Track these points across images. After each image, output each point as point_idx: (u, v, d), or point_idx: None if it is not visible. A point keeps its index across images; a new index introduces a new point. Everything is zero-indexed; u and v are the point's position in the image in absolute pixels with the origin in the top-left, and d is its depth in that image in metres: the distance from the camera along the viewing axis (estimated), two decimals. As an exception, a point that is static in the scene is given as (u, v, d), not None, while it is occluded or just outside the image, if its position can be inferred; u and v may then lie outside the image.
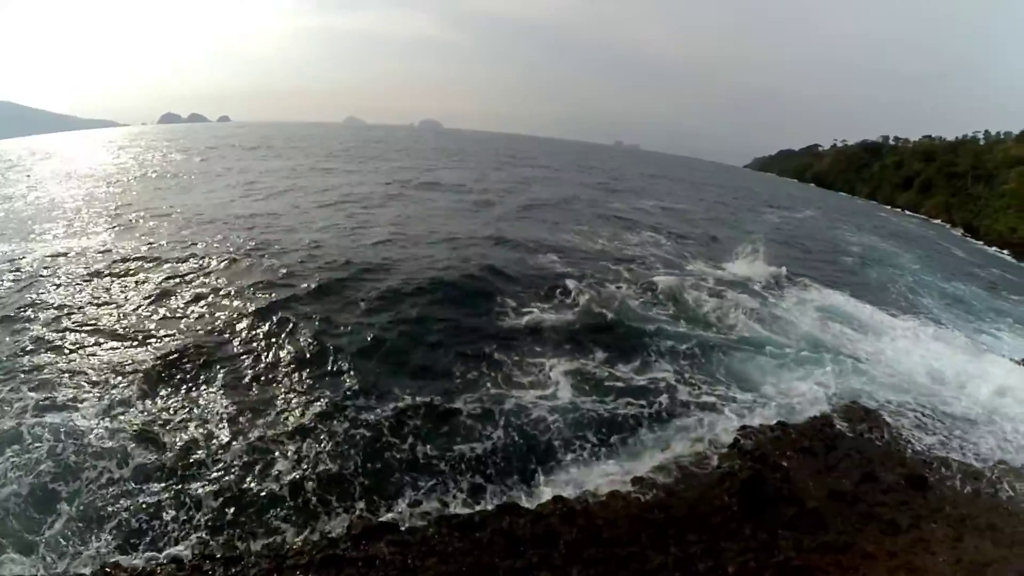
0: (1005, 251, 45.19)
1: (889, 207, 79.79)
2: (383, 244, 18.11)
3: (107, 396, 8.91)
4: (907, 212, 74.43)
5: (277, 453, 7.76)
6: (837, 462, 8.05)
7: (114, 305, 12.40)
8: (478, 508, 6.95)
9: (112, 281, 13.85)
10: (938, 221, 66.03)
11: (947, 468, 8.18)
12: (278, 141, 71.52)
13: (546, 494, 7.22)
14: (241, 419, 8.52)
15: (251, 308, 12.19)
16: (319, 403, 9.04)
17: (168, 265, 14.94)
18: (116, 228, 19.74)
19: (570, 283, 15.11)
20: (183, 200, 25.41)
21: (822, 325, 14.82)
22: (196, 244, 16.90)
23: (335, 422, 8.56)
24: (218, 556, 5.73)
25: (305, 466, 7.50)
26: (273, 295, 12.96)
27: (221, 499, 6.84)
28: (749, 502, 6.71)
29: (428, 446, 8.14)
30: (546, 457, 8.20)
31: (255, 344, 10.86)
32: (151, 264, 15.02)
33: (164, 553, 5.97)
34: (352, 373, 9.93)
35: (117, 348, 10.54)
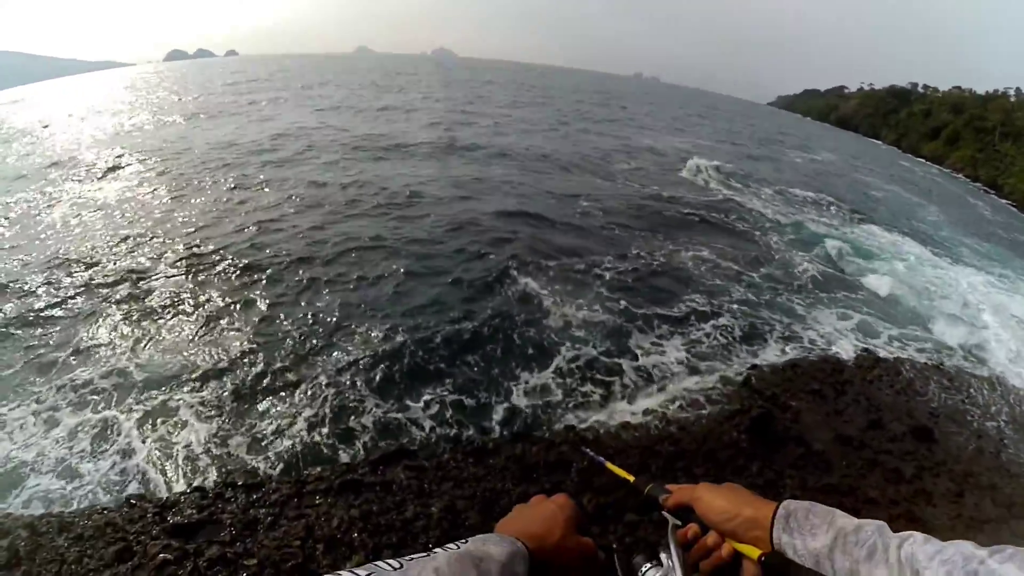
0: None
1: (911, 155, 78.77)
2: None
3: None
4: (931, 163, 73.39)
5: (293, 379, 7.99)
6: (845, 407, 8.22)
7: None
8: (492, 436, 7.19)
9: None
10: (961, 176, 65.37)
11: (954, 423, 8.36)
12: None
13: (558, 425, 7.45)
14: (256, 344, 8.75)
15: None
16: (328, 325, 9.29)
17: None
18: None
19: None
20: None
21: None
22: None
23: (352, 346, 8.82)
24: (239, 484, 5.94)
25: (322, 393, 7.71)
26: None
27: (240, 429, 7.08)
28: (757, 440, 6.92)
29: (443, 366, 8.47)
30: (562, 383, 8.46)
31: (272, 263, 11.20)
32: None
33: (187, 483, 6.19)
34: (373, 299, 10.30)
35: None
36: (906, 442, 7.51)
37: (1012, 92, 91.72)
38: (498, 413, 7.67)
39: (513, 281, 11.16)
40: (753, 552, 1.14)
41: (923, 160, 75.73)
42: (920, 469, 6.94)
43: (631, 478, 1.48)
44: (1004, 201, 50.04)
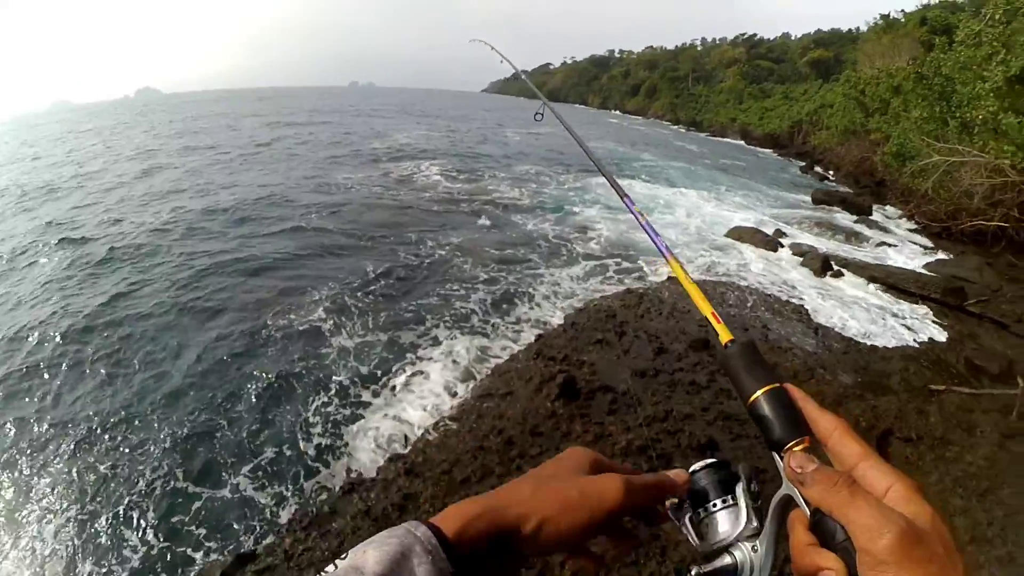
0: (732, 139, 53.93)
1: (619, 112, 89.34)
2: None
3: None
4: (635, 116, 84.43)
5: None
6: (630, 345, 8.79)
7: None
8: (322, 496, 6.45)
9: None
10: (664, 121, 76.02)
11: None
12: None
13: (380, 459, 6.86)
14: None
15: None
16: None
17: None
18: None
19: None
20: None
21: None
22: None
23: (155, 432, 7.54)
24: None
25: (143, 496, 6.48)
26: None
27: None
28: (570, 402, 7.08)
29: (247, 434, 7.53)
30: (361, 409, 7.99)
31: None
32: None
33: None
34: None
35: None
36: (690, 356, 8.25)
37: (699, 42, 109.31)
38: (316, 465, 6.98)
39: (286, 324, 10.32)
40: None
41: (628, 115, 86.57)
42: (711, 373, 7.69)
43: (727, 335, 0.85)
44: (703, 134, 58.96)
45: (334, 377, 8.63)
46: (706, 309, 0.93)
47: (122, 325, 10.43)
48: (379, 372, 8.72)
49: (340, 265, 12.89)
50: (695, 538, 0.78)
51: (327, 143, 35.95)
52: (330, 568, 0.65)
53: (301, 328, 10.02)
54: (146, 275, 12.72)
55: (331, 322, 10.21)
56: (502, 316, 10.51)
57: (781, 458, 0.70)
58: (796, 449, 0.69)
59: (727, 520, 0.76)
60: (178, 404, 8.28)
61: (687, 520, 0.80)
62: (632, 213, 1.24)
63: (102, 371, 9.14)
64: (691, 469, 0.81)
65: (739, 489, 0.77)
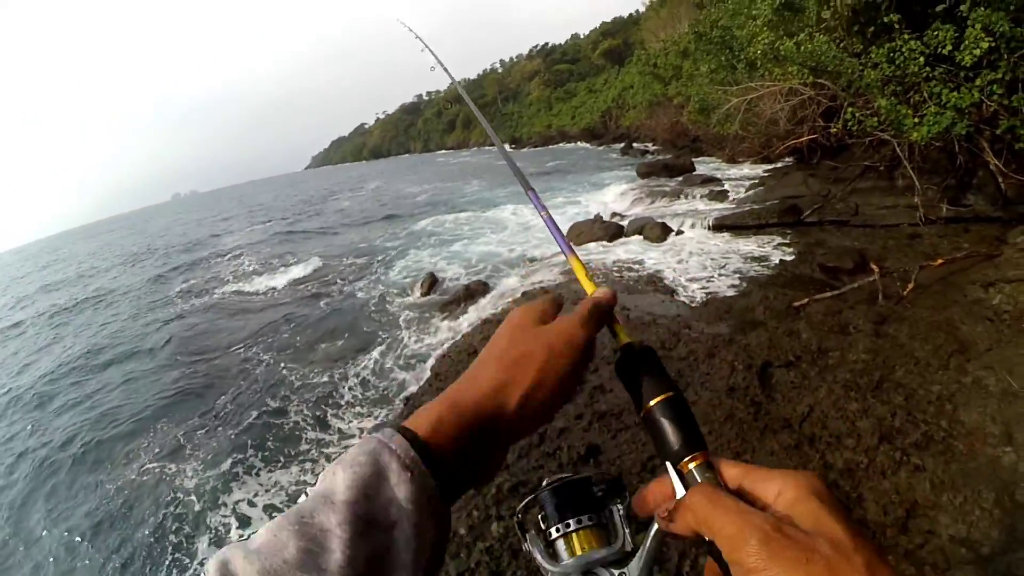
0: (552, 145, 56.48)
1: (443, 151, 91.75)
2: None
3: None
4: (459, 150, 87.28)
5: None
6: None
7: None
8: None
9: None
10: (489, 146, 79.10)
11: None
12: None
13: None
14: None
15: None
16: None
17: None
18: None
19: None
20: None
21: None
22: None
23: None
24: None
25: None
26: None
27: None
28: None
29: None
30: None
31: None
32: None
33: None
34: None
35: None
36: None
37: (498, 65, 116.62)
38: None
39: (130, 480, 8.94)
40: None
41: (452, 150, 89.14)
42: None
43: (625, 338, 0.74)
44: (525, 149, 61.69)
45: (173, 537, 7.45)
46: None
47: None
48: (214, 525, 7.59)
49: (174, 408, 11.43)
50: (544, 559, 0.71)
51: (149, 270, 33.57)
52: (301, 498, 0.57)
53: (146, 479, 8.71)
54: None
55: (168, 476, 8.95)
56: (363, 405, 9.50)
57: (676, 471, 0.63)
58: (691, 465, 0.61)
59: (589, 541, 0.70)
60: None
61: (533, 536, 0.73)
62: (539, 212, 1.11)
63: None
64: (545, 483, 0.76)
65: (615, 508, 0.71)
